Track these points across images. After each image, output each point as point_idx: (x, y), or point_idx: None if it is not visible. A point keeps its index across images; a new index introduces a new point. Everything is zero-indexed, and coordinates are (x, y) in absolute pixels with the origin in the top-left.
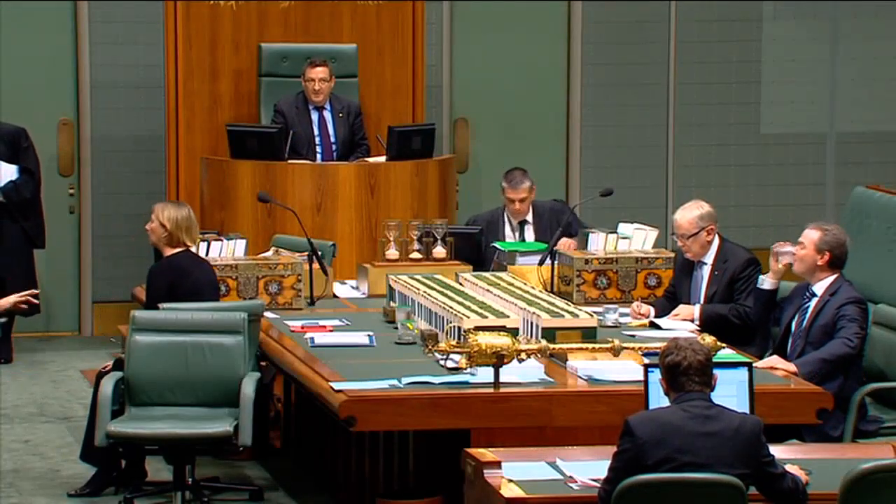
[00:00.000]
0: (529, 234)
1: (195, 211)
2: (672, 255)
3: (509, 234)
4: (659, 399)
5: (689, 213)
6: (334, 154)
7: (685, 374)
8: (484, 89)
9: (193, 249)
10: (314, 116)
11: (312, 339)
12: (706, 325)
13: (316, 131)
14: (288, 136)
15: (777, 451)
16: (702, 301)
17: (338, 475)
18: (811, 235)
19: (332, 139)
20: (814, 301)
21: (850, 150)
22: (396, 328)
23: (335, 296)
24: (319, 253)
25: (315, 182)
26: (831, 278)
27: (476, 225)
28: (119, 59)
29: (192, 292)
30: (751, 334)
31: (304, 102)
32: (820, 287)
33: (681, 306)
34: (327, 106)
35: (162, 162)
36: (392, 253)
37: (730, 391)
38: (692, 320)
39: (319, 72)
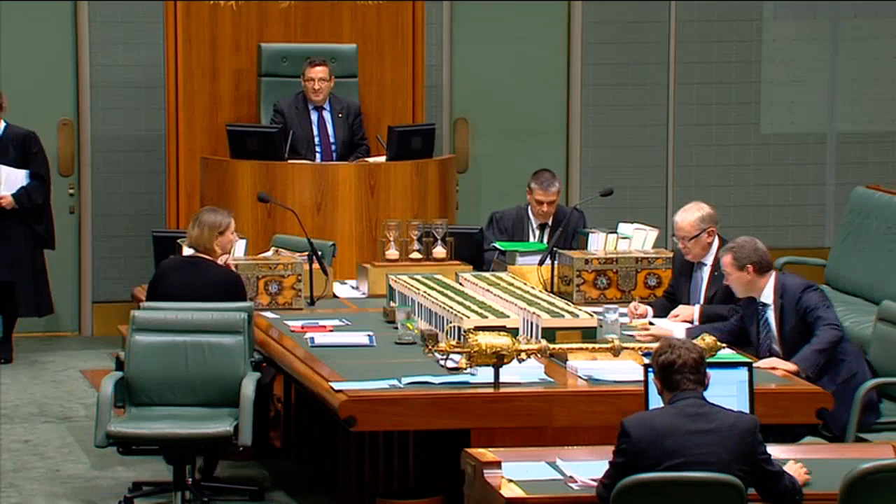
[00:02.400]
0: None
1: (195, 211)
2: (672, 255)
3: (531, 236)
4: (659, 399)
5: (690, 216)
6: (333, 154)
7: (679, 372)
8: (484, 89)
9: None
10: (314, 116)
11: (312, 339)
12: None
13: (315, 131)
14: (287, 135)
15: (777, 450)
16: (702, 302)
17: (338, 475)
18: (726, 261)
19: (332, 139)
20: (769, 311)
21: (850, 150)
22: (396, 328)
23: (335, 296)
24: (319, 253)
25: (315, 182)
26: (770, 282)
27: (502, 222)
28: (119, 59)
29: (166, 297)
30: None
31: (303, 102)
32: (766, 296)
33: (680, 307)
34: (327, 106)
35: (162, 162)
36: (392, 253)
37: (730, 391)
38: (692, 321)
39: (319, 71)
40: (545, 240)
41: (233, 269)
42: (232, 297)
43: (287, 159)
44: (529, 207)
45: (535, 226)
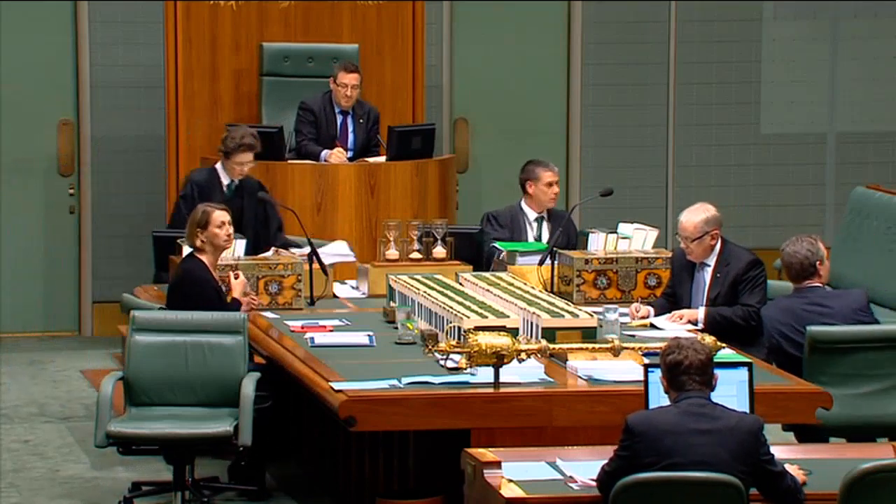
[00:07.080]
0: (545, 230)
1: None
2: (671, 255)
3: (528, 229)
4: (659, 399)
5: (695, 217)
6: (349, 158)
7: (686, 373)
8: (484, 89)
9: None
10: (339, 119)
11: (312, 339)
12: (711, 327)
13: (338, 133)
14: (285, 135)
15: (777, 451)
16: (704, 303)
17: (338, 475)
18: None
19: (351, 143)
20: None
21: (850, 150)
22: (396, 328)
23: (335, 296)
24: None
25: (315, 182)
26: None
27: (497, 222)
28: (119, 59)
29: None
30: (756, 335)
31: (330, 104)
32: None
33: (684, 310)
34: (350, 110)
35: (162, 162)
36: (392, 253)
37: (730, 391)
38: (696, 322)
39: (353, 78)
40: (542, 233)
41: (209, 267)
42: (171, 294)
43: (287, 159)
44: (524, 203)
45: (531, 219)
